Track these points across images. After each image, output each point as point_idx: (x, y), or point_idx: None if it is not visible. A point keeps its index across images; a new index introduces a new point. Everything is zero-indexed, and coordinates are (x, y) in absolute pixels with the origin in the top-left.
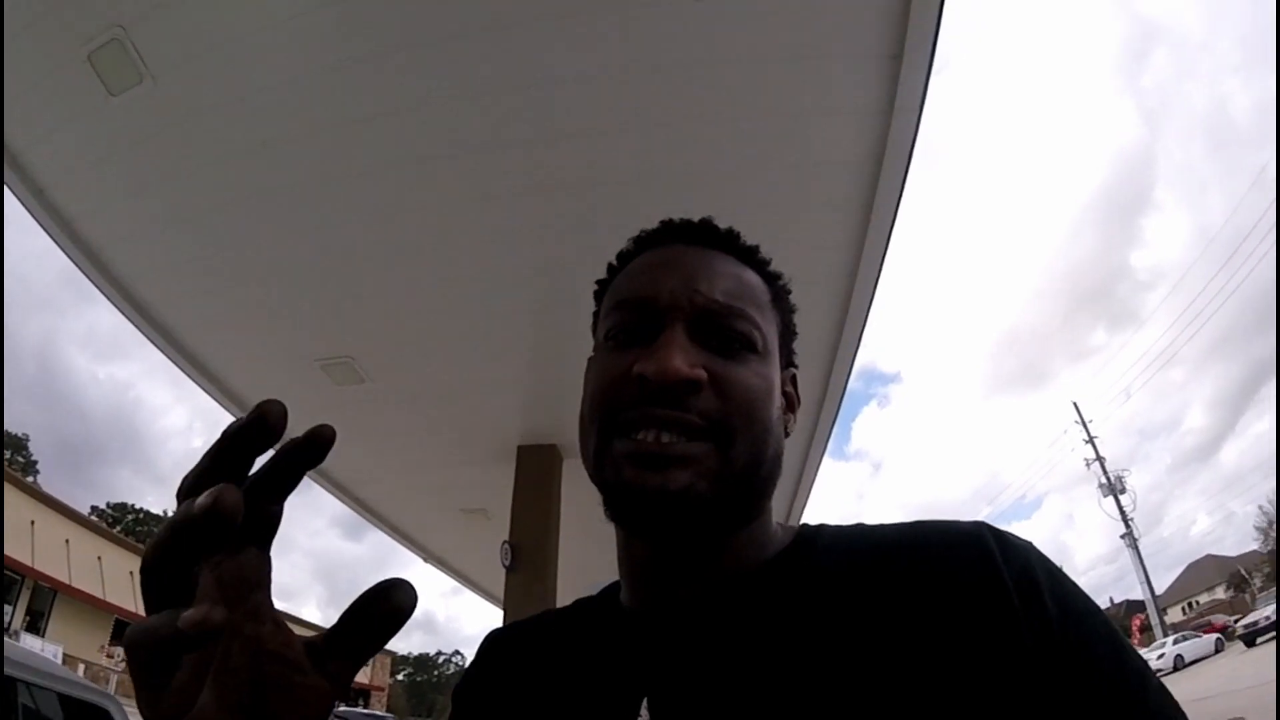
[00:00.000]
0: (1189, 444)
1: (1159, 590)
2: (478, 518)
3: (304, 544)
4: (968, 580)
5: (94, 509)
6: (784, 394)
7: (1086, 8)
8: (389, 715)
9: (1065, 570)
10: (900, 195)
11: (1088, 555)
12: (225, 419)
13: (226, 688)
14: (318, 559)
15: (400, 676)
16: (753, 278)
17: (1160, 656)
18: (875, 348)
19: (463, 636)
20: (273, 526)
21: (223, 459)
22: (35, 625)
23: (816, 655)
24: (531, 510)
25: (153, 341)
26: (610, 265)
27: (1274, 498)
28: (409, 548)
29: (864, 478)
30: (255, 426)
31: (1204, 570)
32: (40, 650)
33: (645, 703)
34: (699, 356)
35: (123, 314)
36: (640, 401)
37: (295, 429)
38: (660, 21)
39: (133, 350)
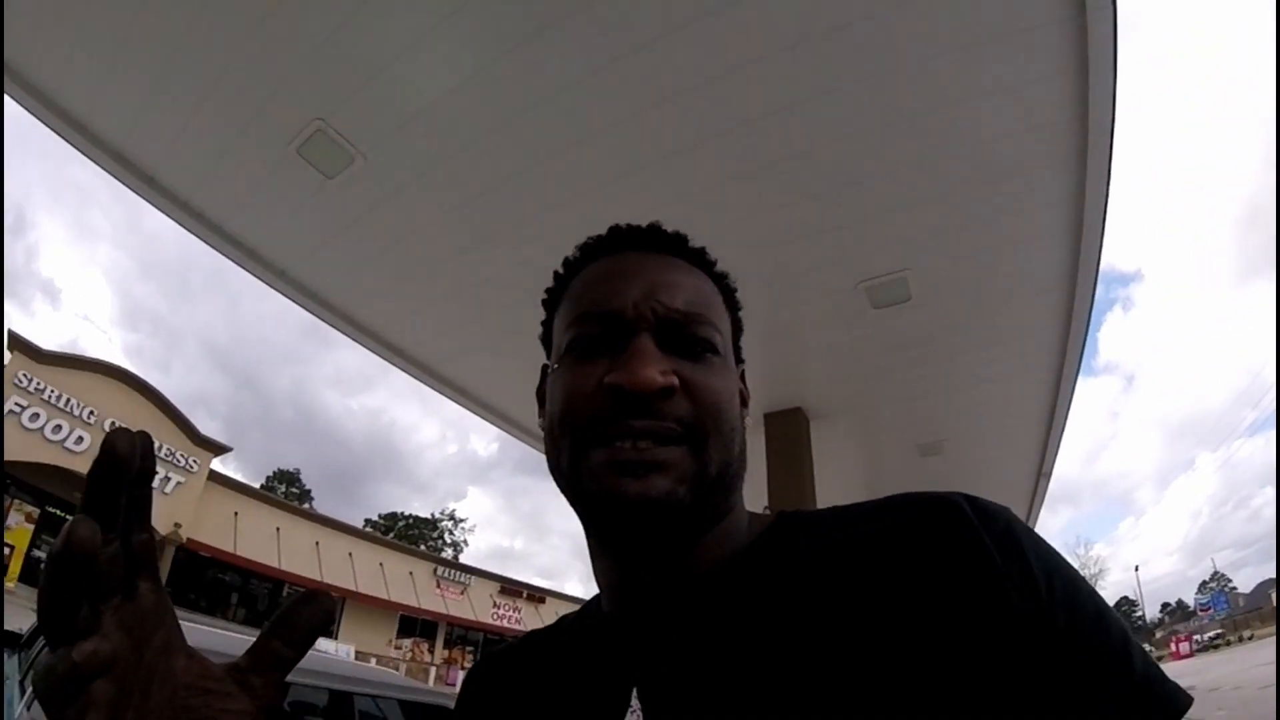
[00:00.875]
0: None
1: None
2: None
3: (559, 526)
4: (948, 545)
5: (367, 521)
6: (743, 386)
7: None
8: None
9: None
10: (1114, 97)
11: None
12: (479, 426)
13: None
14: (574, 538)
15: None
16: (705, 281)
17: None
18: (1110, 247)
19: None
20: (149, 557)
21: (91, 503)
22: (327, 630)
23: (800, 629)
24: (786, 473)
25: (413, 375)
26: (557, 274)
27: None
28: None
29: (1116, 394)
30: (103, 464)
31: None
32: (335, 652)
33: (635, 692)
34: (668, 362)
35: (382, 358)
36: (614, 412)
37: None
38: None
39: (379, 380)
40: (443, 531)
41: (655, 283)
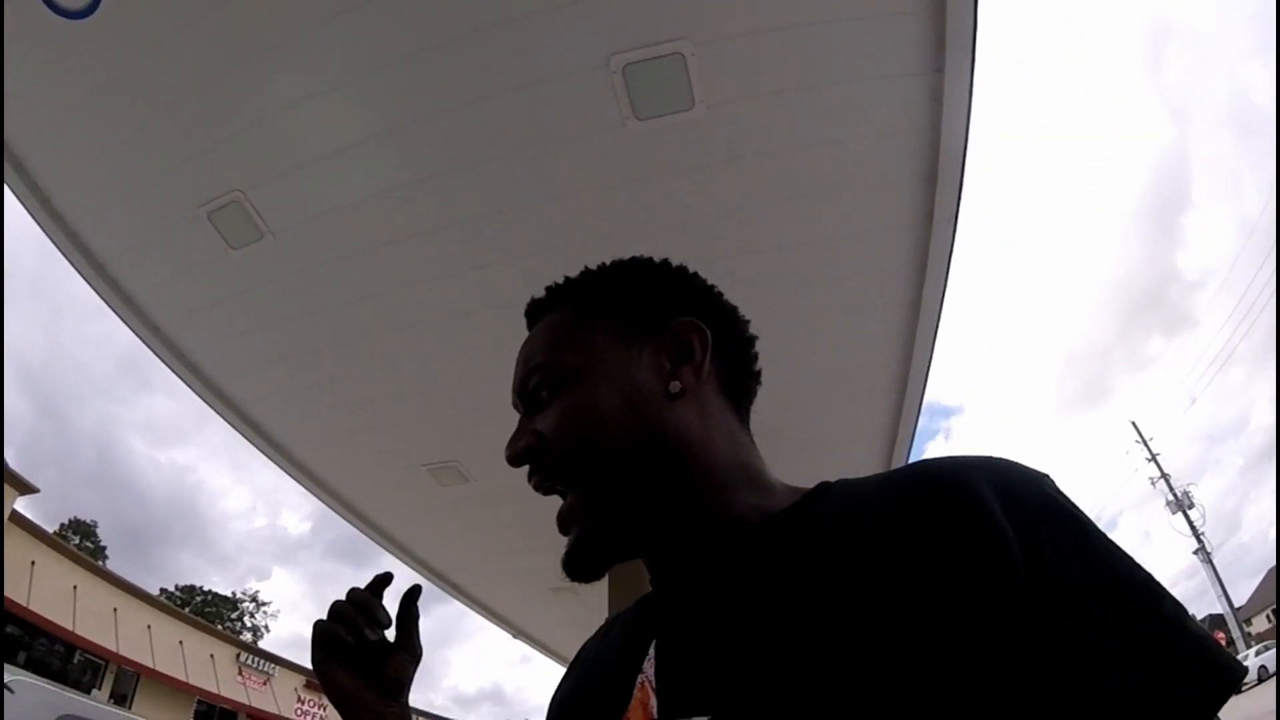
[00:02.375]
0: (1259, 443)
1: (1243, 599)
2: (566, 595)
3: None
4: (953, 522)
5: (163, 591)
6: (670, 353)
7: (1094, 15)
8: None
9: None
10: (951, 250)
11: (1169, 572)
12: (293, 502)
13: (365, 656)
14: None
15: None
16: (553, 319)
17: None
18: (937, 383)
19: (530, 706)
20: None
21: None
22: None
23: (801, 598)
24: (625, 585)
25: (263, 452)
26: None
27: None
28: (498, 624)
29: None
30: (374, 584)
31: None
32: None
33: (653, 644)
34: (532, 424)
35: (239, 433)
36: None
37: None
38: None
39: (191, 435)
40: (243, 613)
41: (516, 367)
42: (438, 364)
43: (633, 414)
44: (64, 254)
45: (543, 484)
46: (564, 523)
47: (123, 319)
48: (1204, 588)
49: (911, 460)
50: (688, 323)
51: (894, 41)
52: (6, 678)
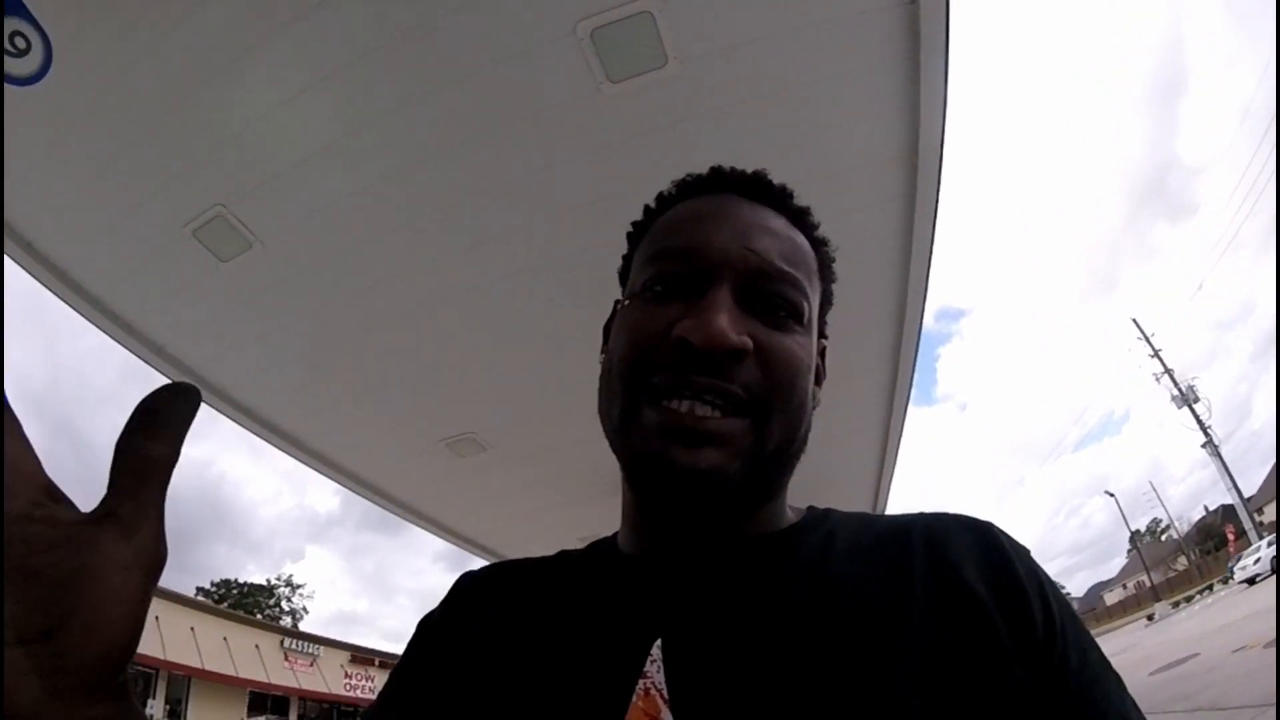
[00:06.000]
0: (1267, 328)
1: (1253, 487)
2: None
3: (406, 585)
4: (983, 560)
5: (199, 589)
6: (817, 364)
7: None
8: None
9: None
10: (941, 142)
11: (1184, 462)
12: (317, 479)
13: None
14: (421, 598)
15: None
16: (803, 241)
17: (1256, 560)
18: (945, 288)
19: None
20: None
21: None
22: (175, 712)
23: (831, 616)
24: None
25: (285, 451)
26: (648, 208)
27: None
28: None
29: (951, 419)
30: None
31: None
32: None
33: (659, 644)
34: (745, 322)
35: (255, 434)
36: (678, 366)
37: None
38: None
39: (204, 430)
40: (280, 599)
41: (749, 229)
42: (441, 344)
43: (810, 401)
44: (57, 295)
45: (728, 390)
46: (717, 440)
47: (125, 346)
48: (1216, 477)
49: (920, 365)
50: (824, 349)
51: None
52: None
